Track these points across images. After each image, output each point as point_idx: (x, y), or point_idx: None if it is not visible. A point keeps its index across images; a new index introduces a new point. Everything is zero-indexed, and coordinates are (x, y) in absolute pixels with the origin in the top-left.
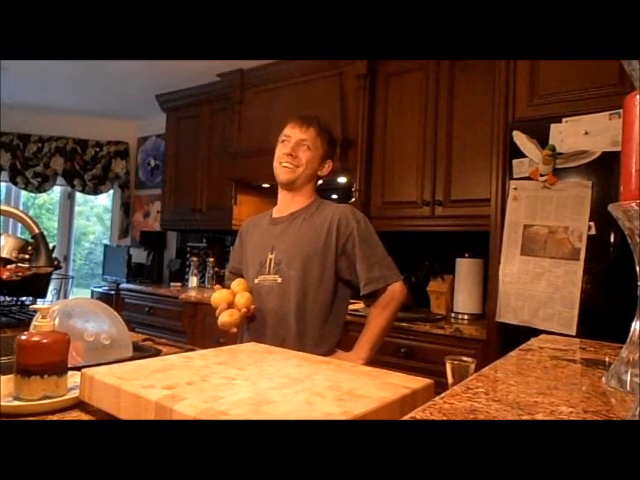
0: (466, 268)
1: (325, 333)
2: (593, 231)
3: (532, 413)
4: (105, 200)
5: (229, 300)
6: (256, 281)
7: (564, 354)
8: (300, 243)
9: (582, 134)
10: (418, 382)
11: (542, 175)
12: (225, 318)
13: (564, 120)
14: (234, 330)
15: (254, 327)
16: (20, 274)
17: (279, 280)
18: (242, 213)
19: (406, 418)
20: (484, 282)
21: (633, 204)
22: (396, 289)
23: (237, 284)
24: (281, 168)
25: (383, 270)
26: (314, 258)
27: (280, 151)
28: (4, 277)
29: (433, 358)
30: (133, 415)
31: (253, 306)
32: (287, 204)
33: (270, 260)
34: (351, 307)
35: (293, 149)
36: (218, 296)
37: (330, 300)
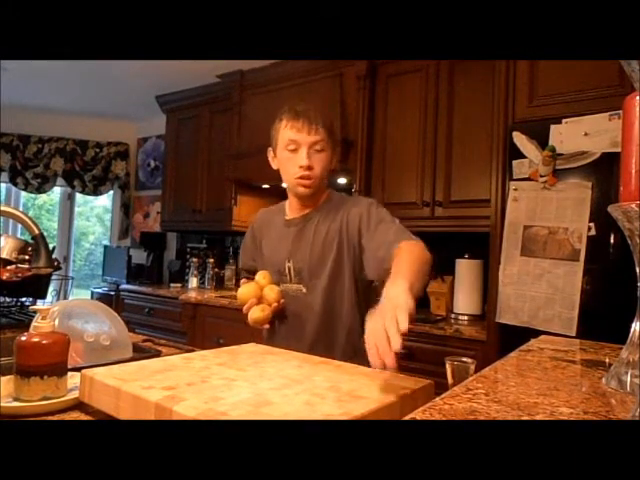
0: (466, 269)
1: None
2: (593, 232)
3: (532, 414)
4: (105, 201)
5: (258, 295)
6: (279, 288)
7: (564, 355)
8: (317, 250)
9: (582, 135)
10: (418, 383)
11: (542, 176)
12: (257, 314)
13: (564, 121)
14: (266, 326)
15: (286, 331)
16: (20, 275)
17: (304, 290)
18: (242, 214)
19: (406, 419)
20: (484, 283)
21: (633, 205)
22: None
23: (262, 277)
24: (297, 183)
25: (399, 234)
26: (337, 265)
27: (291, 163)
28: (4, 278)
29: (433, 359)
30: (133, 416)
31: (282, 300)
32: (301, 204)
33: (289, 268)
34: None
35: (309, 158)
36: (246, 291)
37: (362, 307)
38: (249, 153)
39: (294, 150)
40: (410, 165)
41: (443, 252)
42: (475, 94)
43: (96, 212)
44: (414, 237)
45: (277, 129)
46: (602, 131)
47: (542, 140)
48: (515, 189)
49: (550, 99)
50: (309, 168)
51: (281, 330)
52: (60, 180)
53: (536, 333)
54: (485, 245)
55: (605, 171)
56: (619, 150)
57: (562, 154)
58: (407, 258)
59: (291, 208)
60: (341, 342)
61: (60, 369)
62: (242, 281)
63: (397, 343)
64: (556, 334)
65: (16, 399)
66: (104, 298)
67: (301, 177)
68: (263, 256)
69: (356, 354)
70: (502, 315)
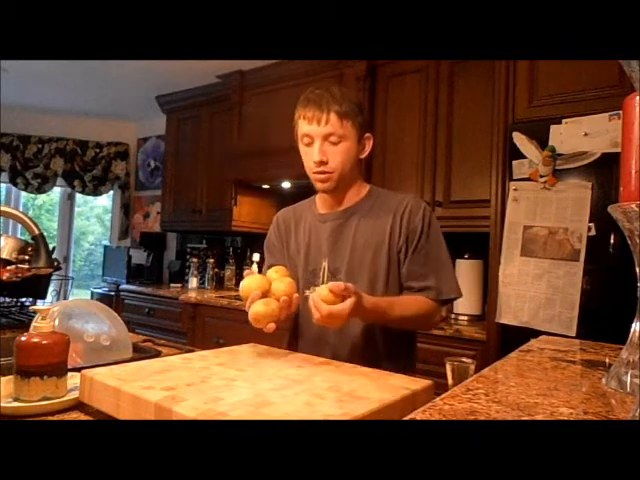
0: (466, 269)
1: (397, 354)
2: (593, 232)
3: (532, 414)
4: (105, 201)
5: (264, 288)
6: (307, 293)
7: (564, 355)
8: (360, 248)
9: (582, 135)
10: (418, 383)
11: (542, 176)
12: (259, 308)
13: (564, 121)
14: (271, 326)
15: (313, 342)
16: (20, 275)
17: None
18: (242, 214)
19: (406, 419)
20: (484, 283)
21: (633, 205)
22: (437, 310)
23: (275, 271)
24: (314, 178)
25: (440, 282)
26: (380, 267)
27: (307, 157)
28: (4, 278)
29: (433, 359)
30: (133, 416)
31: (296, 294)
32: (332, 199)
33: (324, 268)
34: None
35: (322, 153)
36: (249, 283)
37: None
38: (249, 153)
39: (309, 144)
40: (410, 165)
41: None
42: (475, 94)
43: (96, 212)
44: (446, 292)
45: (295, 120)
46: (602, 131)
47: (542, 140)
48: (515, 189)
49: (550, 99)
50: (323, 163)
51: (306, 340)
52: (60, 180)
53: (536, 333)
54: (485, 245)
55: (605, 171)
56: (619, 150)
57: (562, 154)
58: (407, 302)
59: (323, 203)
60: (383, 352)
61: (60, 369)
62: (246, 272)
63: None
64: (556, 334)
65: (16, 399)
66: (104, 298)
67: (316, 172)
68: (290, 256)
69: (400, 368)
70: (502, 315)
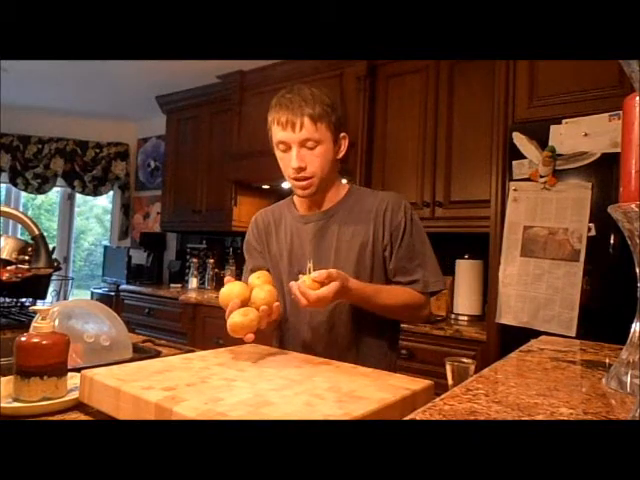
0: (466, 269)
1: (385, 350)
2: (593, 232)
3: (532, 414)
4: (105, 201)
5: (244, 296)
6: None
7: (564, 355)
8: (343, 248)
9: (582, 135)
10: (418, 383)
11: (542, 176)
12: (237, 318)
13: (564, 122)
14: (250, 337)
15: (293, 345)
16: (20, 275)
17: None
18: (242, 214)
19: (406, 419)
20: (484, 283)
21: (633, 205)
22: (426, 302)
23: (256, 277)
24: (294, 184)
25: (427, 275)
26: (364, 266)
27: (284, 163)
28: (4, 278)
29: (433, 359)
30: (133, 416)
31: (277, 303)
32: (316, 201)
33: (309, 270)
34: None
35: (300, 159)
36: (228, 291)
37: None
38: (249, 154)
39: (285, 150)
40: (410, 165)
41: (443, 252)
42: (475, 94)
43: (96, 212)
44: (432, 284)
45: (269, 125)
46: (602, 131)
47: (542, 140)
48: (515, 189)
49: (550, 100)
50: (302, 169)
51: (296, 343)
52: (60, 180)
53: (536, 333)
54: (485, 245)
55: (605, 171)
56: (619, 150)
57: (562, 154)
58: (394, 291)
59: (303, 204)
60: (375, 350)
61: (60, 370)
62: (226, 279)
63: (309, 296)
64: (556, 334)
65: (16, 399)
66: (104, 298)
67: (295, 179)
68: (272, 259)
69: (391, 367)
70: (502, 315)
